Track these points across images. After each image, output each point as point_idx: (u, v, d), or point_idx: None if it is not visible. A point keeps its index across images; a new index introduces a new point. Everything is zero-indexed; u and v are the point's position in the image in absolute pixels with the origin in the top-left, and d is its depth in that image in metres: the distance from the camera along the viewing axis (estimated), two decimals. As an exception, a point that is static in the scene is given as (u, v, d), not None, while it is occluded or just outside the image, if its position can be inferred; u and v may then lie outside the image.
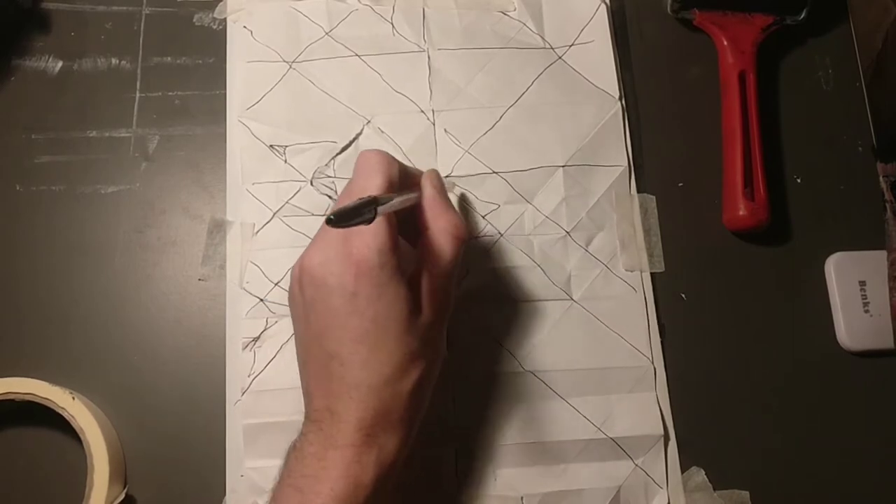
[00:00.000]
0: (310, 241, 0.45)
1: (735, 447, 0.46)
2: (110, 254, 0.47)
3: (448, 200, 0.39)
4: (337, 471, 0.34)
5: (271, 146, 0.48)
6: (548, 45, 0.51)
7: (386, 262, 0.34)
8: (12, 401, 0.41)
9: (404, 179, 0.38)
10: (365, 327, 0.34)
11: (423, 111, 0.49)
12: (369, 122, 0.48)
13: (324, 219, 0.30)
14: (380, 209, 0.31)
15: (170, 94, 0.50)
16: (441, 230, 0.37)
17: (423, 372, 0.36)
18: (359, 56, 0.50)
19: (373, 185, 0.36)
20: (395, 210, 0.35)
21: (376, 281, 0.34)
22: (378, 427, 0.35)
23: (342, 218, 0.30)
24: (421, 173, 0.41)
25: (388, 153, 0.38)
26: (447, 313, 0.38)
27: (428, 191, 0.39)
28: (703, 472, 0.45)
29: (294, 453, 0.36)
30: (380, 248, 0.34)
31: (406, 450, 0.37)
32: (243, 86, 0.49)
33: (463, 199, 0.47)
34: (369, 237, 0.34)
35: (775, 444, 0.46)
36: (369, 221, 0.31)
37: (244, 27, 0.50)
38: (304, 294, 0.36)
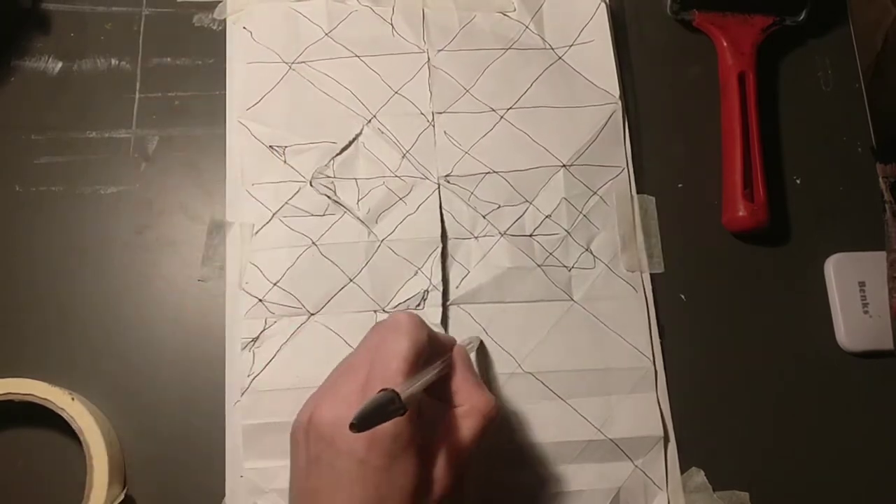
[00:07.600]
0: (306, 243, 0.46)
1: (735, 448, 0.46)
2: (110, 254, 0.47)
3: (477, 376, 0.38)
4: None
5: (271, 147, 0.48)
6: (548, 46, 0.51)
7: (401, 433, 0.33)
8: (12, 401, 0.41)
9: (432, 346, 0.37)
10: (367, 496, 0.33)
11: (422, 113, 0.49)
12: (369, 122, 0.48)
13: (348, 423, 0.28)
14: (404, 398, 0.30)
15: (169, 94, 0.50)
16: (472, 409, 0.36)
17: None
18: (358, 57, 0.50)
19: (399, 348, 0.34)
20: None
21: (388, 451, 0.32)
22: None
23: (366, 422, 0.29)
24: (449, 340, 0.39)
25: (418, 316, 0.36)
26: (458, 492, 0.36)
27: (459, 366, 0.37)
28: (703, 473, 0.45)
29: None
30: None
31: None
32: (243, 86, 0.49)
33: (481, 348, 0.46)
34: None
35: (775, 445, 0.46)
36: (401, 414, 0.30)
37: (244, 28, 0.50)
38: (308, 447, 0.34)
